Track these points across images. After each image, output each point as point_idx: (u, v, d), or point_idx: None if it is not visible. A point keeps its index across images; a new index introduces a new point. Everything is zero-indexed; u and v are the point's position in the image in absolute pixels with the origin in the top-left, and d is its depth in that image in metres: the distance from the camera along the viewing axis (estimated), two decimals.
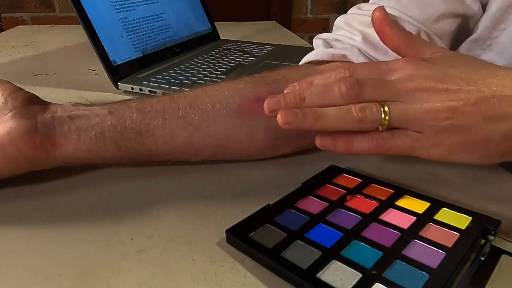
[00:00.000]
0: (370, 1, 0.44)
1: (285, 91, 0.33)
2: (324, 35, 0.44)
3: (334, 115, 0.29)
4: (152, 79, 0.59)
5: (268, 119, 0.31)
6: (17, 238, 0.29)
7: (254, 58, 0.72)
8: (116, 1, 0.62)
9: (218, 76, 0.61)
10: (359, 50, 0.40)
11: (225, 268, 0.26)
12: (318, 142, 0.31)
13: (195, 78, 0.59)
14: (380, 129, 0.30)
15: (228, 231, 0.28)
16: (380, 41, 0.40)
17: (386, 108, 0.29)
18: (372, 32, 0.40)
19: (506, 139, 0.29)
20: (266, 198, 0.34)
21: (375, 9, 0.35)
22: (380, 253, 0.26)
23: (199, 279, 0.26)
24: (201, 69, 0.64)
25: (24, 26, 1.47)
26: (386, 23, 0.34)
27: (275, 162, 0.39)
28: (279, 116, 0.29)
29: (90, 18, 0.57)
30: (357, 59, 0.39)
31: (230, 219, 0.31)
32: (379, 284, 0.23)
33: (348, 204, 0.31)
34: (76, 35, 1.02)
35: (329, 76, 0.32)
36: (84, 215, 0.32)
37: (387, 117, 0.29)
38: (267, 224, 0.29)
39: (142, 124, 0.35)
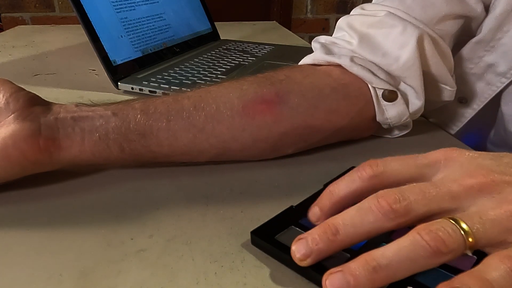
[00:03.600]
0: (373, 1, 0.44)
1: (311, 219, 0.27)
2: (322, 38, 0.44)
3: (395, 258, 0.21)
4: (152, 79, 0.59)
5: (272, 120, 0.30)
6: (18, 238, 0.29)
7: (254, 58, 0.72)
8: (116, 1, 0.62)
9: (218, 76, 0.61)
10: (351, 59, 0.39)
11: (225, 268, 0.26)
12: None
13: (195, 78, 0.59)
14: (467, 253, 0.21)
15: (254, 233, 0.28)
16: (379, 42, 0.40)
17: (463, 224, 0.21)
18: (373, 33, 0.40)
19: None
20: (266, 198, 0.34)
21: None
22: None
23: (199, 279, 0.26)
24: (201, 69, 0.64)
25: (24, 26, 1.47)
26: None
27: (275, 162, 0.39)
28: (324, 285, 0.22)
29: (90, 18, 0.57)
30: (351, 68, 0.39)
31: (230, 219, 0.31)
32: None
33: None
34: (76, 35, 1.02)
35: (352, 179, 0.26)
36: (84, 215, 0.32)
37: (470, 238, 0.21)
38: (292, 226, 0.29)
39: (146, 126, 0.34)
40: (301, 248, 0.24)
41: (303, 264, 0.24)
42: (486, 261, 0.21)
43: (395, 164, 0.25)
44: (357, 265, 0.21)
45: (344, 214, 0.24)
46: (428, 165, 0.25)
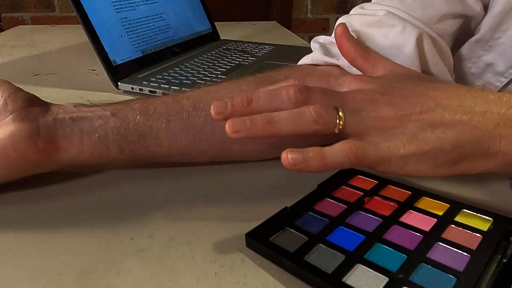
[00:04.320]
0: (372, 1, 0.44)
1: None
2: (321, 38, 0.44)
3: (286, 118, 0.28)
4: (152, 79, 0.59)
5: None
6: (18, 238, 0.29)
7: (254, 58, 0.72)
8: (116, 1, 0.62)
9: (218, 76, 0.61)
10: None
11: (225, 268, 0.26)
12: (286, 161, 0.27)
13: (195, 78, 0.59)
14: (336, 131, 0.28)
15: (248, 235, 0.28)
16: (378, 42, 0.40)
17: (340, 113, 0.28)
18: (372, 32, 0.40)
19: (456, 146, 0.29)
20: (266, 198, 0.34)
21: (338, 25, 0.38)
22: (405, 256, 0.26)
23: (199, 279, 0.26)
24: (201, 69, 0.64)
25: (24, 26, 1.47)
26: (344, 38, 0.36)
27: (275, 162, 0.39)
28: (227, 126, 0.27)
29: (90, 18, 0.57)
30: (350, 69, 0.39)
31: (230, 219, 0.31)
32: None
33: (367, 206, 0.31)
34: (76, 35, 1.02)
35: (279, 85, 0.31)
36: (84, 215, 0.32)
37: (341, 122, 0.28)
38: (287, 228, 0.29)
39: (146, 126, 0.34)
40: (218, 104, 0.29)
41: (216, 117, 0.29)
42: (337, 143, 0.28)
43: (312, 80, 0.32)
44: (258, 116, 0.28)
45: (261, 92, 0.30)
46: (336, 84, 0.32)
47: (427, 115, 0.29)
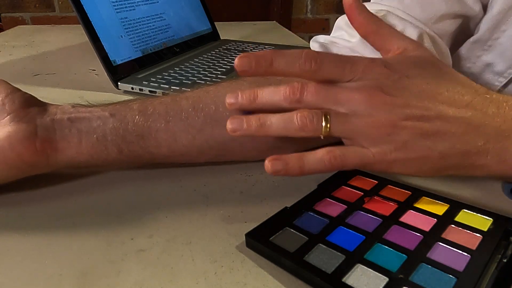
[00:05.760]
0: (372, 1, 0.44)
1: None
2: (321, 38, 0.44)
3: (276, 122, 0.30)
4: (152, 79, 0.59)
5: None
6: (18, 238, 0.29)
7: None
8: (116, 1, 0.62)
9: (218, 76, 0.61)
10: (351, 51, 0.39)
11: (225, 268, 0.26)
12: (269, 167, 0.30)
13: (195, 78, 0.59)
14: (322, 137, 0.30)
15: (248, 235, 0.28)
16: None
17: (328, 117, 0.29)
18: None
19: (443, 157, 0.29)
20: (266, 198, 0.34)
21: None
22: (405, 256, 0.26)
23: (199, 279, 0.26)
24: (201, 69, 0.64)
25: (24, 26, 1.47)
26: (355, 9, 0.34)
27: None
28: (227, 125, 0.31)
29: (90, 18, 0.57)
30: None
31: (230, 219, 0.31)
32: None
33: (367, 206, 0.31)
34: (76, 35, 1.02)
35: (293, 62, 0.30)
36: (84, 215, 0.32)
37: (328, 125, 0.29)
38: (287, 228, 0.29)
39: (145, 127, 0.34)
40: (232, 96, 0.33)
41: (229, 108, 0.33)
42: (318, 149, 0.30)
43: (330, 62, 0.30)
44: (253, 117, 0.31)
45: (266, 89, 0.32)
46: (351, 71, 0.30)
47: (423, 123, 0.29)
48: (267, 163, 0.30)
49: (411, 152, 0.29)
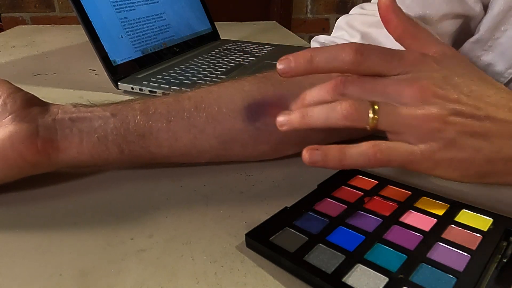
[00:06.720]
0: (372, 1, 0.44)
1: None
2: (322, 38, 0.44)
3: (318, 112, 0.29)
4: (152, 79, 0.59)
5: (273, 122, 0.31)
6: (18, 238, 0.29)
7: (254, 58, 0.72)
8: (116, 1, 0.62)
9: (218, 76, 0.61)
10: None
11: (225, 268, 0.26)
12: (306, 157, 0.28)
13: (195, 78, 0.59)
14: (368, 128, 0.28)
15: (248, 235, 0.28)
16: (380, 42, 0.40)
17: (376, 107, 0.28)
18: (374, 32, 0.40)
19: (489, 161, 0.28)
20: (266, 198, 0.34)
21: None
22: (405, 256, 0.26)
23: (199, 279, 0.26)
24: (201, 69, 0.64)
25: (24, 26, 1.47)
26: (392, 11, 0.32)
27: (275, 162, 0.39)
28: (277, 119, 0.31)
29: (90, 18, 0.57)
30: None
31: (230, 219, 0.31)
32: None
33: (367, 206, 0.31)
34: (76, 35, 1.02)
35: (334, 56, 0.29)
36: (84, 216, 0.32)
37: (376, 117, 0.28)
38: (287, 228, 0.29)
39: (146, 127, 0.34)
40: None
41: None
42: (362, 142, 0.28)
43: (375, 55, 0.29)
44: (296, 112, 0.30)
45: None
46: (399, 64, 0.29)
47: (473, 121, 0.28)
48: (305, 153, 0.28)
49: (458, 152, 0.28)
